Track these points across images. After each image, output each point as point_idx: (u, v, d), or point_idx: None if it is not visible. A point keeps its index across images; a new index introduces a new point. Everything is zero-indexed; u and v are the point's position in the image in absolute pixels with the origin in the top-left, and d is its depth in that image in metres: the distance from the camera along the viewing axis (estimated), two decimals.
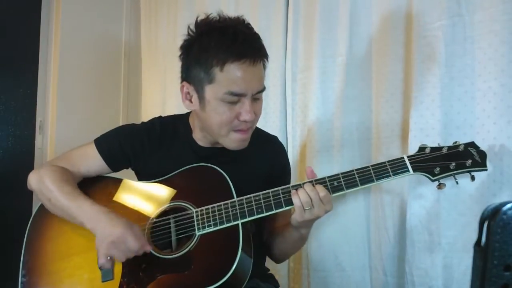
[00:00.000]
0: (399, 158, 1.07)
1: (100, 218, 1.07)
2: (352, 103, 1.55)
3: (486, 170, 1.05)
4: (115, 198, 1.19)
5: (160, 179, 1.18)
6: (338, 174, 1.06)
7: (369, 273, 1.52)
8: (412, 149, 1.12)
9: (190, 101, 1.13)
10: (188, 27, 1.10)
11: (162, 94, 2.21)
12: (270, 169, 1.23)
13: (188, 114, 1.26)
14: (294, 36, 1.69)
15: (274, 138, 1.33)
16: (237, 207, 1.07)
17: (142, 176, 1.23)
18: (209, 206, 1.09)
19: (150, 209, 1.15)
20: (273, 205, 1.06)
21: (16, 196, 1.89)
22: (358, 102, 1.54)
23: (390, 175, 1.05)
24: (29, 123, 2.17)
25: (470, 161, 1.04)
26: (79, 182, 1.20)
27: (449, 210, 1.29)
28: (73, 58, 2.23)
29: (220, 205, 1.08)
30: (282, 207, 1.06)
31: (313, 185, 1.04)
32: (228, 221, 1.06)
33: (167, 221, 1.13)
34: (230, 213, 1.07)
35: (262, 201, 1.06)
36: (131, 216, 1.13)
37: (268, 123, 1.74)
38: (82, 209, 1.09)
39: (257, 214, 1.06)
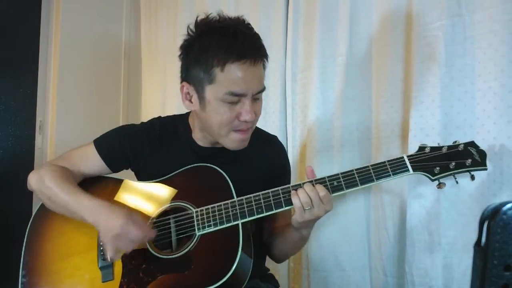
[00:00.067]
0: (399, 158, 1.06)
1: (101, 211, 1.07)
2: (352, 103, 1.55)
3: (486, 169, 1.05)
4: (115, 198, 1.18)
5: (160, 179, 1.18)
6: (338, 174, 1.06)
7: (369, 273, 1.52)
8: (412, 149, 1.12)
9: (190, 101, 1.13)
10: (188, 27, 1.10)
11: (162, 94, 2.21)
12: (270, 169, 1.23)
13: (187, 114, 1.26)
14: (294, 36, 1.69)
15: (274, 138, 1.33)
16: (237, 207, 1.07)
17: (142, 176, 1.23)
18: (209, 206, 1.09)
19: (150, 209, 1.15)
20: (273, 205, 1.06)
21: (16, 196, 1.88)
22: (358, 102, 1.54)
23: (390, 175, 1.05)
24: (29, 123, 2.17)
25: (470, 160, 1.04)
26: (79, 182, 1.20)
27: (449, 210, 1.29)
28: (73, 58, 2.23)
29: (220, 205, 1.08)
30: (282, 207, 1.06)
31: (313, 185, 1.04)
32: (228, 221, 1.06)
33: (167, 221, 1.13)
34: (230, 213, 1.07)
35: (262, 201, 1.06)
36: None
37: (268, 123, 1.74)
38: (82, 204, 1.09)
39: (257, 214, 1.06)
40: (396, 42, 1.44)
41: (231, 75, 1.03)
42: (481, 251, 0.55)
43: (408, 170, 1.05)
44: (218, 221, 1.07)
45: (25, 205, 1.96)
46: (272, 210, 1.06)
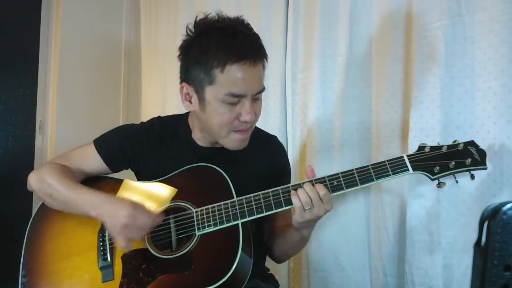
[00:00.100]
0: (398, 157, 1.06)
1: (104, 203, 1.07)
2: (352, 103, 1.55)
3: (485, 169, 1.05)
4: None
5: (160, 179, 1.18)
6: (338, 174, 1.06)
7: (369, 273, 1.52)
8: (412, 149, 1.12)
9: (190, 102, 1.13)
10: (187, 27, 1.10)
11: (162, 94, 2.21)
12: (270, 169, 1.23)
13: (187, 114, 1.26)
14: (294, 36, 1.69)
15: (274, 138, 1.33)
16: (237, 207, 1.07)
17: (142, 176, 1.23)
18: (209, 206, 1.09)
19: (150, 209, 1.15)
20: (273, 205, 1.06)
21: (16, 196, 1.88)
22: (358, 102, 1.54)
23: (390, 174, 1.05)
24: (29, 123, 2.17)
25: (469, 160, 1.04)
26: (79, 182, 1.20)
27: (449, 210, 1.29)
28: (73, 58, 2.23)
29: (220, 205, 1.08)
30: (282, 207, 1.06)
31: (312, 184, 1.04)
32: (228, 221, 1.06)
33: (167, 221, 1.13)
34: (230, 213, 1.07)
35: (262, 201, 1.06)
36: None
37: (268, 123, 1.74)
38: (84, 198, 1.09)
39: (257, 214, 1.06)
40: (396, 42, 1.44)
41: (231, 76, 1.03)
42: (481, 251, 0.55)
43: (408, 170, 1.05)
44: (218, 221, 1.07)
45: (25, 205, 1.96)
46: (272, 210, 1.06)
